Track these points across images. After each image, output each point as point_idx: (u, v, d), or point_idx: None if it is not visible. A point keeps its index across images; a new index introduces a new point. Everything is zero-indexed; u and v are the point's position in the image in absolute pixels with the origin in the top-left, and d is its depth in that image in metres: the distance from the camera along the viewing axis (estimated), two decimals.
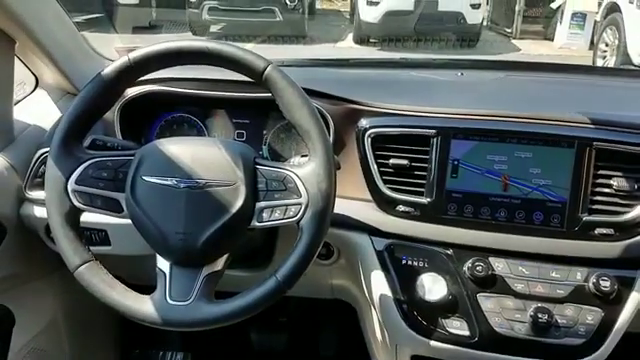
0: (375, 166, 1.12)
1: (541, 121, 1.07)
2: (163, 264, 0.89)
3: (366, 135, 1.12)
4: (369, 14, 8.05)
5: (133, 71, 0.90)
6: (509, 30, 9.40)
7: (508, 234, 1.07)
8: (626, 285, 1.03)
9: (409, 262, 1.10)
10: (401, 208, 1.11)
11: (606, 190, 1.04)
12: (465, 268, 1.07)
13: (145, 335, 1.71)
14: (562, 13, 8.42)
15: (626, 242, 1.03)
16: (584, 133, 1.05)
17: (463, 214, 1.09)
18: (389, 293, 1.09)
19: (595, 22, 7.59)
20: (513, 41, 8.96)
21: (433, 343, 1.05)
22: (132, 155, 0.90)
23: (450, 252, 1.09)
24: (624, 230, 1.03)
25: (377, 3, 8.05)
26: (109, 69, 0.89)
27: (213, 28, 8.68)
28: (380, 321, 1.14)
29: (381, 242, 1.12)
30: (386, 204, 1.12)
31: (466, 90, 1.31)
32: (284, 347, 1.82)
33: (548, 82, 1.48)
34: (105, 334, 1.59)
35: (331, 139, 1.15)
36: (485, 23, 9.41)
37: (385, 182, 1.12)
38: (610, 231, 1.03)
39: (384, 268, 1.10)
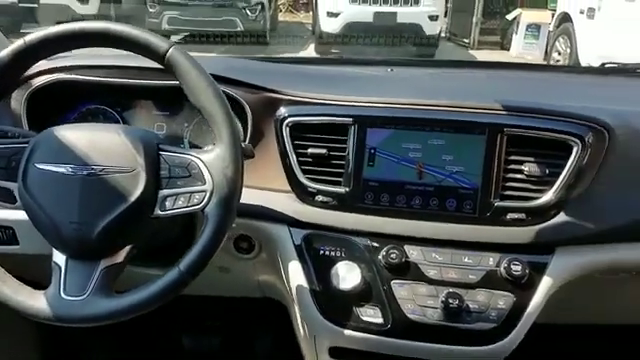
0: (294, 156, 1.11)
1: (454, 109, 1.08)
2: (59, 257, 0.86)
3: (284, 124, 1.11)
4: (329, 25, 8.14)
5: (28, 54, 0.87)
6: (467, 41, 9.62)
7: (423, 221, 1.08)
8: (538, 270, 1.04)
9: (326, 252, 1.09)
10: (320, 198, 1.10)
11: (518, 176, 1.06)
12: (380, 256, 1.06)
13: (68, 339, 1.65)
14: (517, 24, 8.68)
15: (538, 227, 1.05)
16: (495, 119, 1.06)
17: (380, 202, 1.09)
18: (306, 284, 1.08)
19: (549, 32, 7.85)
20: (471, 51, 9.18)
21: (348, 332, 1.05)
22: (26, 142, 0.87)
23: (367, 241, 1.09)
24: (536, 215, 1.05)
25: (337, 14, 8.15)
26: (3, 52, 0.86)
27: (174, 38, 8.62)
28: (299, 314, 1.13)
29: (300, 233, 1.11)
30: (305, 194, 1.11)
31: (389, 82, 1.32)
32: (218, 351, 1.78)
33: (476, 76, 1.51)
34: (22, 336, 1.53)
35: (249, 129, 1.14)
36: (443, 34, 9.61)
37: (304, 172, 1.11)
38: (522, 216, 1.04)
39: (301, 259, 1.09)
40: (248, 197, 1.05)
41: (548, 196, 1.04)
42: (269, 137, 1.14)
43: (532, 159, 1.05)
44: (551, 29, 7.49)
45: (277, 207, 1.12)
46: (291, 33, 10.67)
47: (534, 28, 8.50)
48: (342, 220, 1.10)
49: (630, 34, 4.75)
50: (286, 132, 1.11)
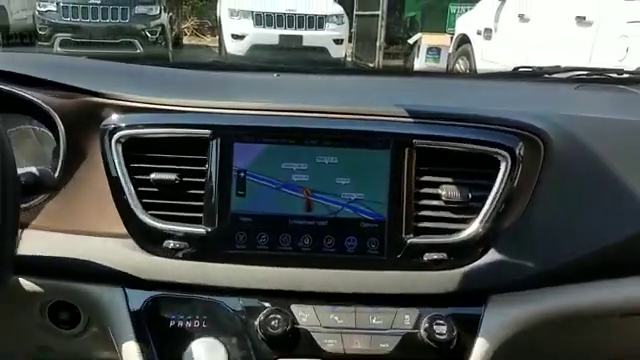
0: (130, 185, 0.79)
1: (348, 116, 0.81)
2: None
3: (114, 139, 0.79)
4: (235, 47, 7.92)
5: None
6: (372, 65, 9.71)
7: (314, 269, 0.79)
8: (469, 329, 0.78)
9: (178, 324, 0.77)
10: (170, 244, 0.78)
11: (434, 202, 0.80)
12: (256, 324, 0.76)
13: None
14: (419, 48, 8.85)
15: (464, 269, 0.79)
16: (401, 129, 0.80)
17: (255, 246, 0.79)
18: None
19: (449, 54, 8.04)
20: None
21: None
22: None
23: (237, 302, 0.78)
24: (460, 253, 0.79)
25: (242, 37, 7.94)
26: None
27: None
28: None
29: (139, 297, 0.79)
30: (148, 239, 0.79)
31: (269, 87, 1.03)
32: None
33: (377, 81, 1.26)
34: None
35: (62, 147, 0.80)
36: (349, 58, 9.64)
37: (145, 207, 0.79)
38: (442, 255, 0.78)
39: (141, 336, 0.76)
40: (61, 246, 0.77)
41: (473, 227, 0.79)
42: (93, 158, 0.80)
43: (450, 179, 0.80)
44: (451, 51, 7.69)
45: (106, 260, 0.78)
46: (197, 56, 10.28)
47: (434, 51, 8.71)
48: (202, 274, 0.78)
49: (525, 52, 4.86)
50: (117, 150, 0.78)
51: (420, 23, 9.11)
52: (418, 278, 0.79)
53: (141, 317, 0.77)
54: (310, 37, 8.01)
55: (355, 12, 9.02)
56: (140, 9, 8.15)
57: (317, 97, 0.86)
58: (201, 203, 0.79)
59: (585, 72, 1.37)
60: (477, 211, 0.79)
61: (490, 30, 5.99)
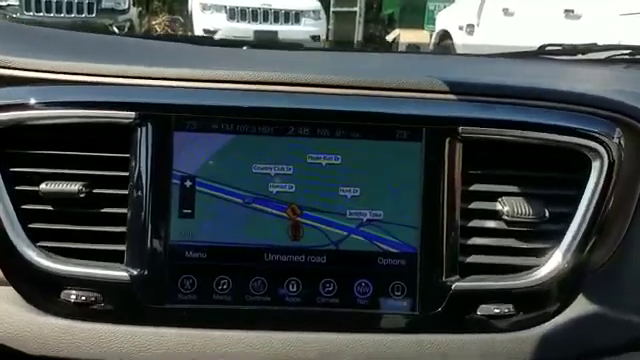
0: (6, 200, 0.48)
1: (354, 91, 0.52)
2: None
3: None
4: None
5: None
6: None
7: (307, 332, 0.49)
8: None
9: None
10: (72, 296, 0.48)
11: (490, 224, 0.52)
12: None
13: None
14: (397, 45, 8.66)
15: (539, 330, 0.51)
16: (439, 110, 0.51)
17: (213, 296, 0.49)
18: None
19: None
20: None
21: None
22: None
23: None
24: (532, 305, 0.51)
25: (215, 32, 7.64)
26: None
27: None
28: None
29: None
30: (37, 288, 0.49)
31: (234, 57, 0.73)
32: None
33: (378, 57, 0.96)
34: None
35: None
36: None
37: (33, 236, 0.49)
38: (506, 309, 0.50)
39: None
40: None
41: (554, 264, 0.51)
42: None
43: (515, 189, 0.52)
44: (431, 47, 7.54)
45: None
46: None
47: (414, 48, 8.55)
48: (123, 346, 0.48)
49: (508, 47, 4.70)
50: None
51: (398, 20, 9.03)
52: (470, 345, 0.50)
53: None
54: (286, 33, 7.77)
55: (332, 8, 8.80)
56: (107, 3, 7.77)
57: (305, 69, 0.57)
58: (122, 229, 0.49)
59: (626, 51, 1.12)
60: (559, 236, 0.51)
61: (472, 25, 5.83)
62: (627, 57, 1.10)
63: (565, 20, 3.86)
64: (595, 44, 1.22)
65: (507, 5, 5.08)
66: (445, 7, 7.19)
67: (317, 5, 8.29)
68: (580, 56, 1.08)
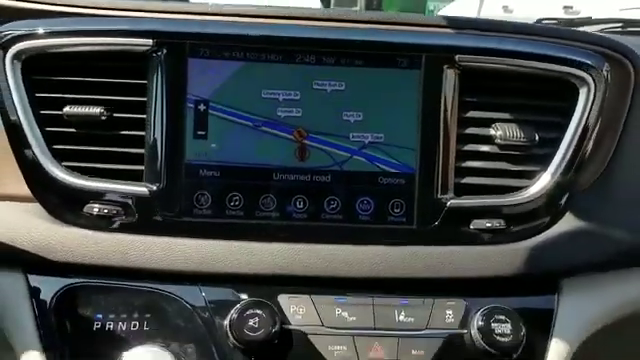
0: (33, 123, 0.53)
1: (358, 25, 0.56)
2: None
3: (9, 55, 0.52)
4: None
5: None
6: None
7: (312, 244, 0.53)
8: (540, 326, 0.53)
9: (107, 325, 0.50)
10: (94, 209, 0.52)
11: (484, 148, 0.56)
12: (226, 324, 0.50)
13: None
14: None
15: (528, 242, 0.55)
16: (437, 40, 0.55)
17: (225, 211, 0.53)
18: None
19: None
20: None
21: None
22: None
23: (200, 293, 0.52)
24: (523, 220, 0.55)
25: None
26: None
27: None
28: None
29: (49, 286, 0.52)
30: (62, 202, 0.53)
31: None
32: None
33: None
34: None
35: None
36: None
37: (58, 155, 0.53)
38: (498, 223, 0.54)
39: (49, 346, 0.50)
40: None
41: (542, 183, 0.55)
42: None
43: (508, 115, 0.56)
44: None
45: (5, 233, 0.51)
46: None
47: None
48: (142, 252, 0.52)
49: None
50: (14, 71, 0.52)
51: None
52: (463, 256, 0.54)
53: (50, 316, 0.51)
54: None
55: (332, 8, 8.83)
56: None
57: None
58: (140, 150, 0.53)
59: (619, 24, 1.15)
60: (547, 159, 0.55)
61: None
62: (620, 30, 1.14)
63: (564, 16, 3.89)
64: (590, 18, 1.26)
65: (507, 2, 5.11)
66: (445, 7, 7.23)
67: (317, 5, 8.31)
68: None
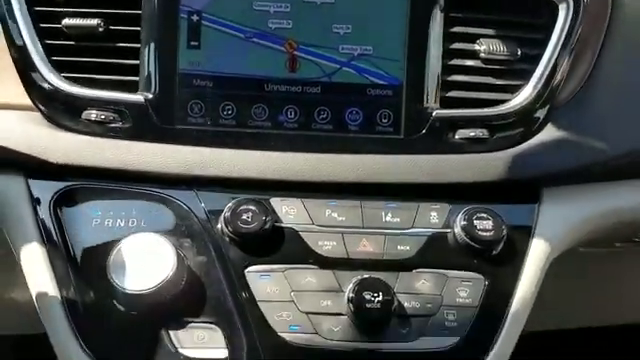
0: (33, 35, 0.54)
1: None
2: None
3: None
4: None
5: None
6: None
7: (302, 152, 0.55)
8: (521, 228, 0.56)
9: (106, 222, 0.52)
10: (92, 114, 0.54)
11: (469, 62, 0.58)
12: (221, 219, 0.52)
13: None
14: None
15: (511, 151, 0.57)
16: None
17: (218, 120, 0.55)
18: (56, 290, 0.50)
19: None
20: None
21: None
22: None
23: (194, 195, 0.54)
24: (505, 130, 0.57)
25: None
26: None
27: None
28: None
29: (48, 188, 0.54)
30: (60, 110, 0.55)
31: None
32: None
33: None
34: None
35: None
36: None
37: (57, 66, 0.54)
38: (481, 133, 0.56)
39: (48, 238, 0.51)
40: None
41: (524, 95, 0.57)
42: None
43: (492, 31, 0.58)
44: None
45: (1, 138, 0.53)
46: None
47: None
48: (138, 156, 0.54)
49: None
50: None
51: None
52: (448, 163, 0.56)
53: (50, 214, 0.52)
54: None
55: None
56: None
57: None
58: (134, 61, 0.55)
59: None
60: (528, 73, 0.57)
61: None
62: None
63: None
64: None
65: None
66: None
67: None
68: None
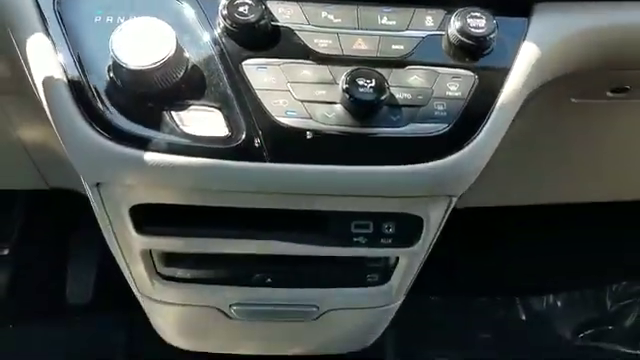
0: None
1: None
2: None
3: None
4: None
5: None
6: None
7: None
8: (513, 32, 0.57)
9: (109, 19, 0.54)
10: None
11: None
12: (220, 15, 0.53)
13: None
14: None
15: None
16: None
17: None
18: (56, 71, 0.52)
19: None
20: None
21: (149, 157, 0.51)
22: None
23: None
24: None
25: None
26: None
27: None
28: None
29: None
30: None
31: None
32: None
33: None
34: None
35: None
36: None
37: None
38: None
39: (53, 32, 0.53)
40: None
41: None
42: None
43: None
44: None
45: None
46: None
47: None
48: None
49: None
50: None
51: None
52: None
53: (54, 11, 0.53)
54: None
55: None
56: None
57: None
58: None
59: None
60: None
61: None
62: None
63: None
64: None
65: None
66: None
67: None
68: None
